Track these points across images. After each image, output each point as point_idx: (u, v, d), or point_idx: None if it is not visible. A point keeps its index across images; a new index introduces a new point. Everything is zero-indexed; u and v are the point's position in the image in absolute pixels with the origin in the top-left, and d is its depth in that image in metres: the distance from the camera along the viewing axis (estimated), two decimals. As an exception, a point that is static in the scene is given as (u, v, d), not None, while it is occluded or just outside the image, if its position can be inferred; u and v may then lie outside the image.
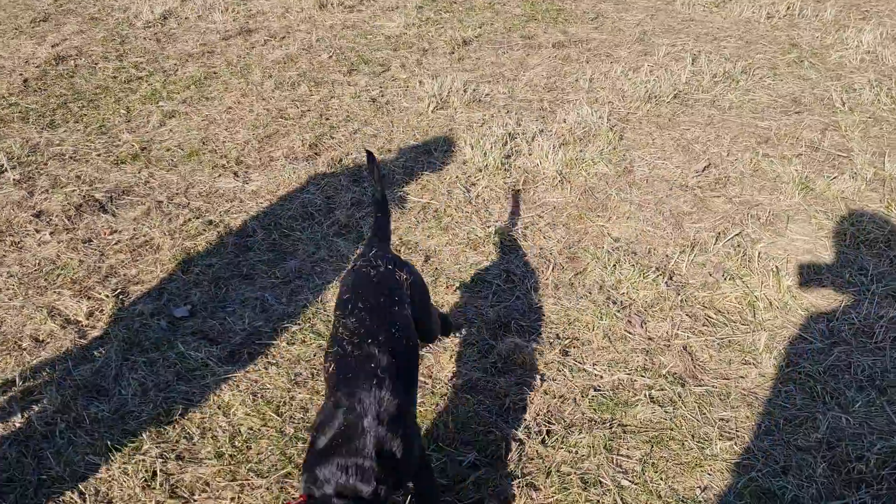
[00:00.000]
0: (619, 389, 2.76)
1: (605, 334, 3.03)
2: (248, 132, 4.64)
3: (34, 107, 4.98)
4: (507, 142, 4.43)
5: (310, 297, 3.22)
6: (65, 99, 5.10)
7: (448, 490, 2.33)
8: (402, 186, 4.07)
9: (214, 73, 5.50)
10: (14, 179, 4.07)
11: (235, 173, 4.19)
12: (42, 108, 4.96)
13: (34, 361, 2.83)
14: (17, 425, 2.54)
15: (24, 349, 2.89)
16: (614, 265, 3.41)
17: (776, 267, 3.41)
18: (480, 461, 2.45)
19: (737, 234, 3.66)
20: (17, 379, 2.73)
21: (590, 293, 3.27)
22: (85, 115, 4.89)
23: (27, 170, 4.18)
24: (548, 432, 2.56)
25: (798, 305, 3.20)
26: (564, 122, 4.73)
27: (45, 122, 4.77)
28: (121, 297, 3.21)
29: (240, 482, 2.33)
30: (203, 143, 4.52)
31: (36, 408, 2.61)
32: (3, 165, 4.19)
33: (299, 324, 3.07)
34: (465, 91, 5.10)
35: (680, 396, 2.73)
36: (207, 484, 2.33)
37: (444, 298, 3.22)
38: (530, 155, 4.32)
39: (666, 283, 3.32)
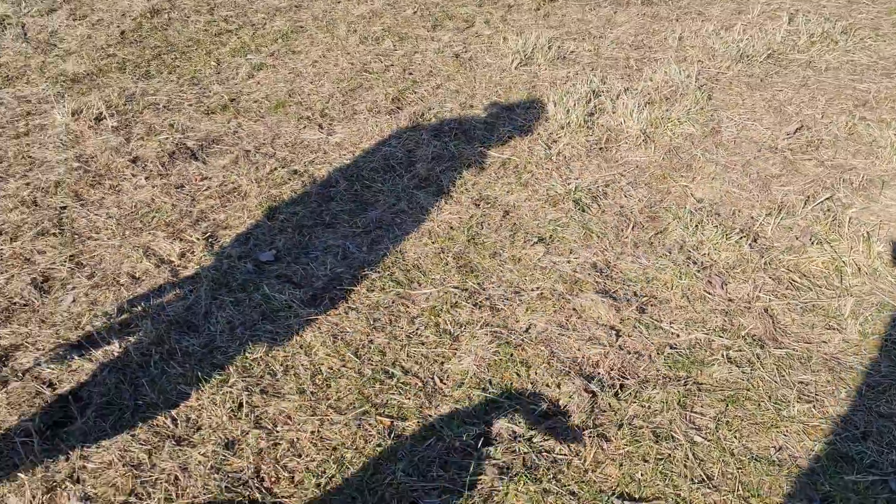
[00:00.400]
0: (696, 348, 2.74)
1: (684, 294, 3.00)
2: (332, 85, 4.71)
3: (130, 58, 5.17)
4: (590, 99, 4.37)
5: (389, 247, 3.29)
6: (159, 51, 5.27)
7: (520, 437, 2.37)
8: (483, 142, 4.07)
9: (301, 27, 5.59)
10: (112, 126, 4.25)
11: (320, 125, 4.27)
12: (138, 59, 5.14)
13: (131, 296, 2.98)
14: (116, 354, 2.70)
15: (122, 285, 3.06)
16: (696, 226, 3.36)
17: (867, 233, 3.29)
18: (552, 410, 2.48)
19: (827, 199, 3.54)
20: (115, 312, 2.89)
21: (669, 253, 3.23)
22: (178, 66, 5.04)
23: (124, 117, 4.36)
24: (621, 386, 2.57)
25: (888, 272, 3.09)
26: (651, 80, 4.63)
27: (140, 73, 4.95)
28: (210, 240, 3.34)
29: (319, 417, 2.43)
30: (289, 95, 4.62)
31: (132, 339, 2.77)
32: (102, 113, 4.38)
33: (378, 272, 3.14)
34: (549, 48, 5.04)
35: (758, 358, 2.69)
36: (289, 417, 2.44)
37: (521, 253, 3.24)
38: (614, 113, 4.26)
39: (750, 245, 3.25)
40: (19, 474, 2.23)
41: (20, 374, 2.61)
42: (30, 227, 3.39)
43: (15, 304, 2.95)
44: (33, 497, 2.15)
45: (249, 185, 3.71)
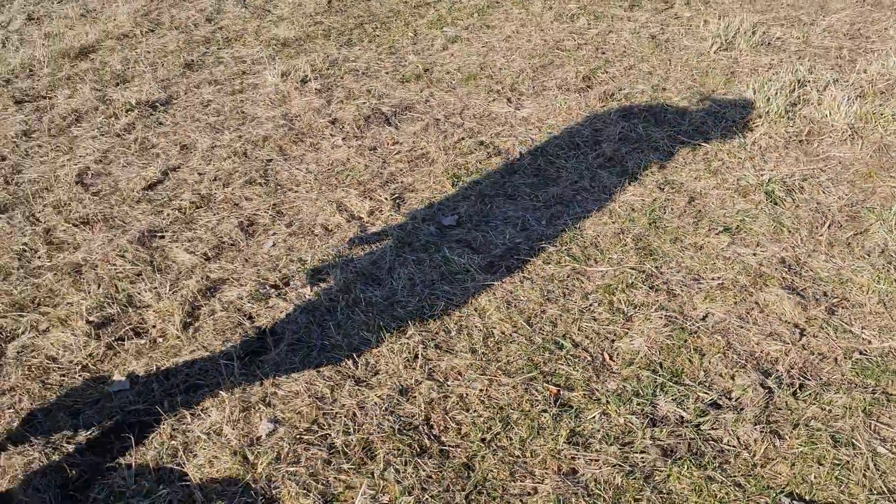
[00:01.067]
0: (890, 357, 2.56)
1: (881, 300, 2.81)
2: (523, 61, 4.76)
3: (335, 26, 5.47)
4: (794, 89, 4.14)
5: (568, 223, 3.31)
6: (361, 20, 5.54)
7: (688, 423, 2.34)
8: (674, 126, 3.98)
9: (497, 2, 5.67)
10: (316, 89, 4.54)
11: (509, 99, 4.34)
12: (341, 28, 5.44)
13: (323, 246, 3.21)
14: (307, 297, 2.92)
15: (316, 235, 3.29)
16: (902, 229, 3.12)
17: None
18: (724, 402, 2.42)
19: None
20: (309, 259, 3.12)
21: (868, 255, 3.03)
22: (377, 35, 5.29)
23: (326, 81, 4.65)
24: (800, 386, 2.46)
25: None
26: (865, 72, 4.32)
27: (343, 40, 5.23)
28: (397, 201, 3.51)
29: (489, 377, 2.52)
30: (481, 68, 4.72)
31: (323, 285, 2.98)
32: (307, 76, 4.68)
33: (556, 246, 3.17)
34: (753, 33, 4.82)
35: (962, 376, 2.48)
36: (460, 373, 2.54)
37: (704, 241, 3.15)
38: (819, 105, 4.02)
39: (963, 255, 2.98)
40: (221, 392, 2.48)
41: (226, 306, 2.89)
42: (240, 176, 3.72)
43: (224, 243, 3.26)
44: (231, 413, 2.40)
45: (437, 153, 3.85)
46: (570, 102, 4.24)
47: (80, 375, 2.60)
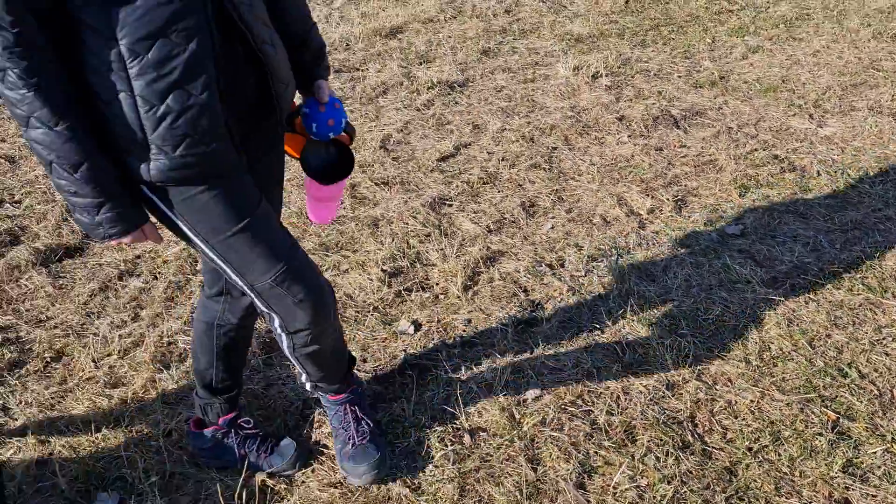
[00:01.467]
0: None
1: None
2: (832, 78, 4.47)
3: (630, 26, 5.49)
4: None
5: (866, 250, 3.09)
6: (657, 22, 5.51)
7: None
8: None
9: (807, 14, 5.37)
10: (605, 85, 4.60)
11: (811, 115, 4.11)
12: (636, 28, 5.44)
13: (600, 236, 3.27)
14: (581, 281, 3.00)
15: (594, 224, 3.36)
16: None
17: None
18: None
19: None
20: (585, 245, 3.20)
21: None
22: (672, 39, 5.23)
23: (617, 79, 4.69)
24: None
25: None
26: None
27: (637, 41, 5.24)
28: (679, 203, 3.48)
29: (761, 390, 2.44)
30: (783, 81, 4.51)
31: (597, 272, 3.05)
32: (598, 72, 4.76)
33: (849, 272, 2.98)
34: None
35: None
36: (730, 380, 2.49)
37: None
38: None
39: None
40: (494, 352, 2.64)
41: (503, 276, 3.06)
42: (525, 159, 3.88)
43: (505, 219, 3.43)
44: (502, 373, 2.55)
45: (726, 161, 3.75)
46: (883, 126, 3.93)
47: (371, 315, 2.89)
